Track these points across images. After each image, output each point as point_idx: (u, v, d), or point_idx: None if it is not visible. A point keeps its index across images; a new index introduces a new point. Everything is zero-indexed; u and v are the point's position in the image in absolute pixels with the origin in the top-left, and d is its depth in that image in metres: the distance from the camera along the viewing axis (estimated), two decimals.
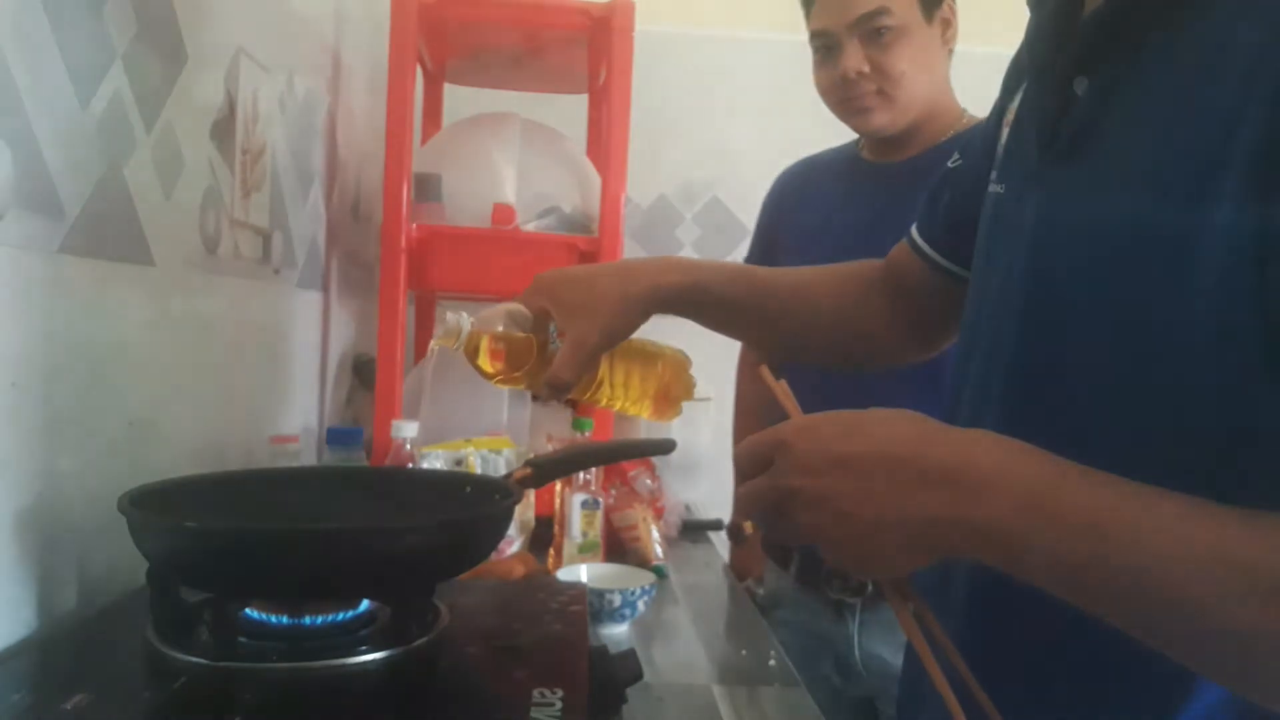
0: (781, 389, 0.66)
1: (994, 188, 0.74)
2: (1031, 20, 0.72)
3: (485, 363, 0.82)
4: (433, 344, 0.84)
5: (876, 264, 0.96)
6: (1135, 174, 0.58)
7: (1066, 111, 0.63)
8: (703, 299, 0.90)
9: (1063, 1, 0.66)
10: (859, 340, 0.95)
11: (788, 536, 0.59)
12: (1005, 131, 0.75)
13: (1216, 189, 0.53)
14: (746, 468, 0.60)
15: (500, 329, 0.83)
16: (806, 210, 1.51)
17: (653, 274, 0.88)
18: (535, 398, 1.74)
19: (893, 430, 0.57)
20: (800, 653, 1.30)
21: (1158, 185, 0.57)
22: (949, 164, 0.89)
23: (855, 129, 1.43)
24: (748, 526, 1.56)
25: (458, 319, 0.82)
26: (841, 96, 1.38)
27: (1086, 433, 0.61)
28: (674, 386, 0.88)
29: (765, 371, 0.67)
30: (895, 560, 0.56)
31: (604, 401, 0.86)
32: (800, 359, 1.06)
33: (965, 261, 0.80)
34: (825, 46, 1.39)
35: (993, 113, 0.81)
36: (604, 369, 0.84)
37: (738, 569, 1.68)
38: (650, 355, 0.87)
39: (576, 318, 0.83)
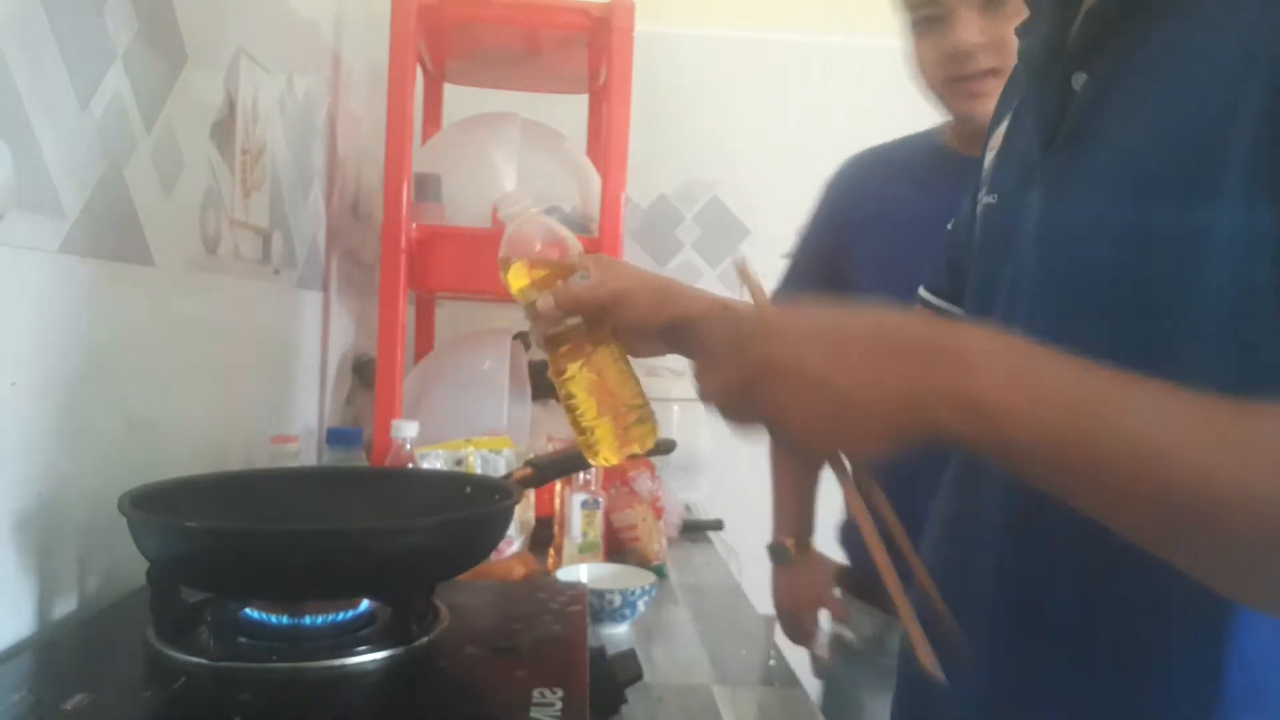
0: (756, 284, 0.63)
1: (985, 199, 0.74)
2: (1025, 29, 0.73)
3: (520, 275, 0.77)
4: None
5: None
6: (1137, 163, 0.59)
7: (1066, 107, 0.64)
8: None
9: (1056, 6, 0.67)
10: None
11: (749, 415, 0.55)
12: (989, 156, 0.77)
13: (1218, 175, 0.54)
14: (716, 347, 0.57)
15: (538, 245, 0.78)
16: (885, 202, 1.35)
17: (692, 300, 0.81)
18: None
19: (874, 311, 0.55)
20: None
21: (1160, 174, 0.57)
22: (948, 226, 0.90)
23: (959, 114, 1.21)
24: (790, 543, 1.43)
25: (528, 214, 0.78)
26: (952, 74, 1.17)
27: None
28: (635, 425, 0.77)
29: (744, 268, 0.64)
30: (866, 438, 0.52)
31: (562, 394, 0.78)
32: None
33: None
34: (929, 17, 1.17)
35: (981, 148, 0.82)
36: (579, 364, 0.77)
37: (789, 599, 1.45)
38: (628, 378, 0.78)
39: (610, 272, 0.77)
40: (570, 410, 0.76)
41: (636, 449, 0.76)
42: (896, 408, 0.51)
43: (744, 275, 0.63)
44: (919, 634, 0.54)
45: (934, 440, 0.51)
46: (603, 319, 0.75)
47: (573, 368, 0.76)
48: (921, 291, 0.94)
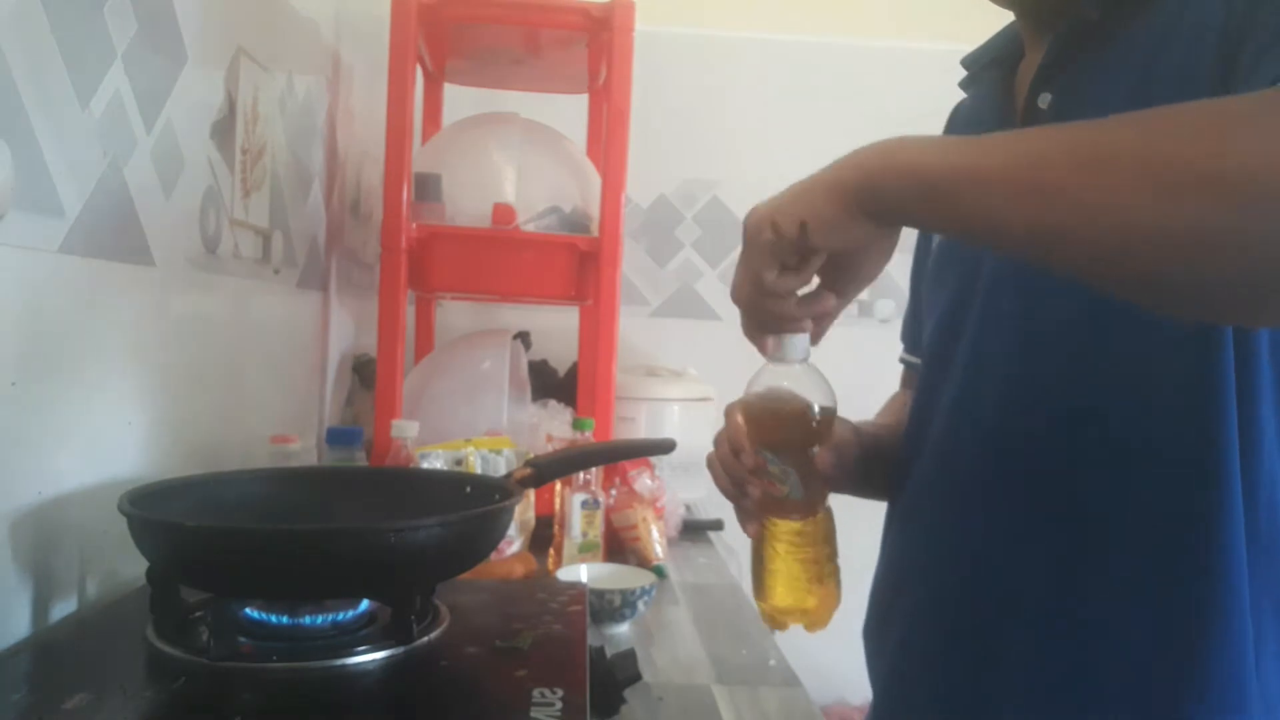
0: None
1: None
2: (970, 81, 0.84)
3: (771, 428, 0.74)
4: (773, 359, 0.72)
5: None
6: None
7: (1035, 121, 0.69)
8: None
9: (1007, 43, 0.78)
10: None
11: (761, 250, 0.65)
12: None
13: None
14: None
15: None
16: None
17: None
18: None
19: None
20: None
21: None
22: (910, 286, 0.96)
23: None
24: None
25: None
26: None
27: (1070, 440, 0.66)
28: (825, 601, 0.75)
29: None
30: (817, 198, 0.61)
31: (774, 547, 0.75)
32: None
33: None
34: None
35: None
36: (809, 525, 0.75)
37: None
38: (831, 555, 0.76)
39: None
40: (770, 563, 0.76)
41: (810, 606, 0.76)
42: (845, 178, 0.60)
43: None
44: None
45: (869, 202, 0.59)
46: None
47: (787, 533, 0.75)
48: (904, 357, 0.97)
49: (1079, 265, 0.52)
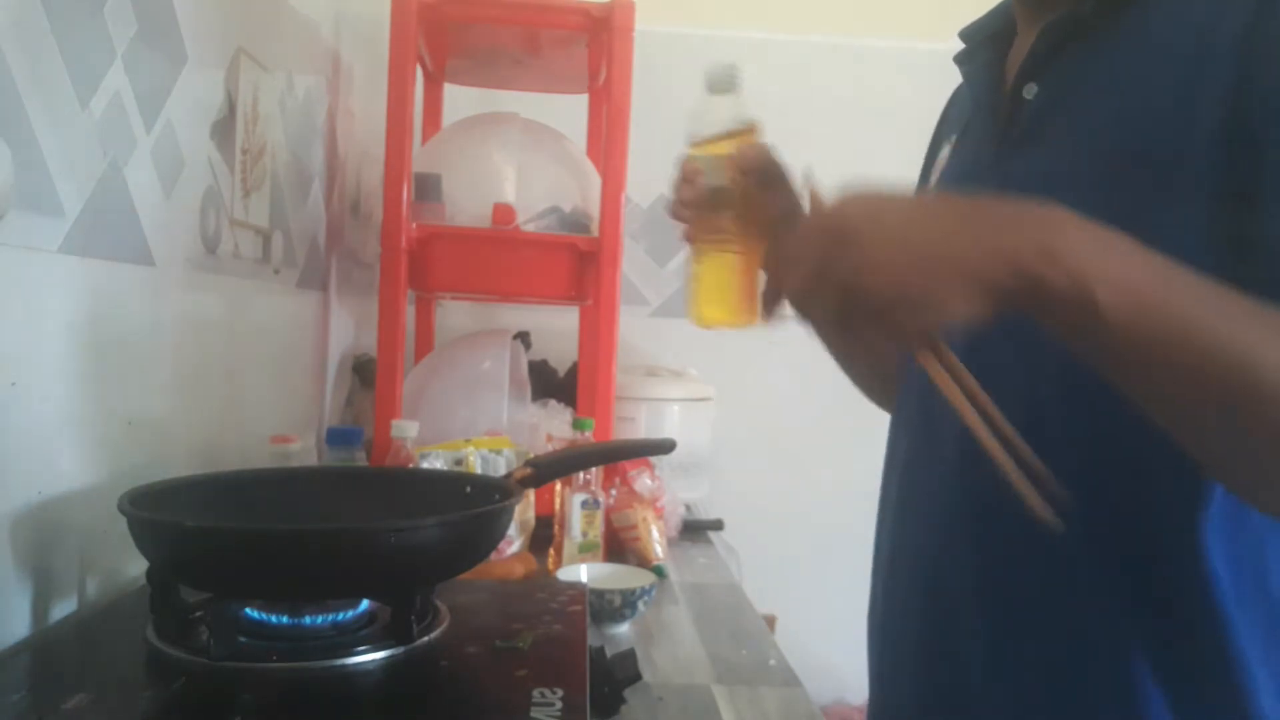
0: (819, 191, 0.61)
1: None
2: (964, 58, 0.81)
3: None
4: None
5: None
6: (1098, 158, 0.63)
7: (1017, 114, 0.69)
8: None
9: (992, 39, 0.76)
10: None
11: (828, 297, 0.52)
12: (935, 176, 0.81)
13: (1173, 170, 0.59)
14: (795, 240, 0.55)
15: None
16: None
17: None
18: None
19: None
20: None
21: (1121, 167, 0.61)
22: None
23: None
24: None
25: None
26: None
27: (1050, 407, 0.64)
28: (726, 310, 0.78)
29: (809, 178, 0.63)
30: (957, 292, 0.49)
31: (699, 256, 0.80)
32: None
33: None
34: None
35: (923, 177, 0.88)
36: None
37: None
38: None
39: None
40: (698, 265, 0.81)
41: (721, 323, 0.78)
42: (987, 257, 0.49)
43: (809, 183, 0.62)
44: (1027, 486, 0.53)
45: (1021, 302, 0.49)
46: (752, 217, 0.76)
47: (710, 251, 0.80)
48: None
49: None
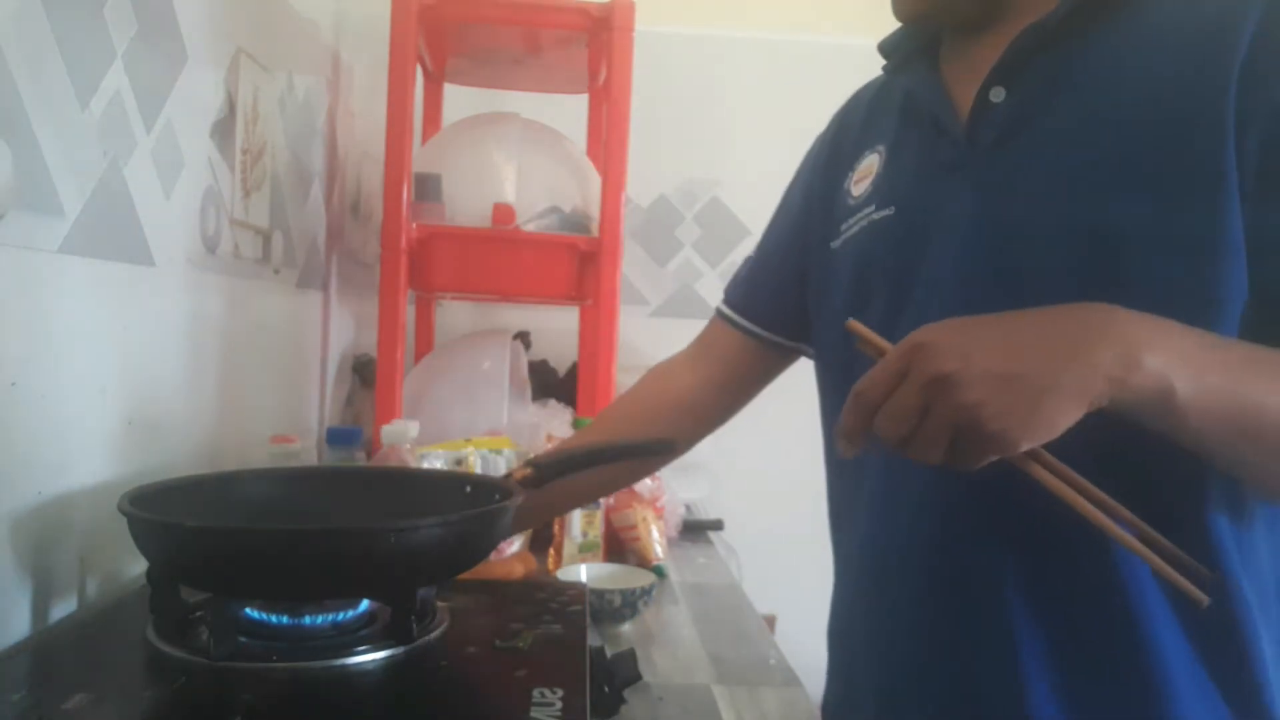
0: (872, 335, 0.61)
1: (875, 215, 0.77)
2: (896, 68, 0.82)
3: None
4: None
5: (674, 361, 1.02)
6: (1091, 159, 0.64)
7: (986, 114, 0.69)
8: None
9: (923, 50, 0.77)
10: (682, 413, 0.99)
11: (937, 438, 0.53)
12: (859, 186, 0.81)
13: (1175, 169, 0.60)
14: (874, 392, 0.55)
15: None
16: None
17: None
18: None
19: (999, 314, 0.56)
20: None
21: (1116, 169, 0.63)
22: (746, 258, 0.97)
23: None
24: None
25: None
26: None
27: None
28: None
29: (856, 324, 0.62)
30: (1063, 416, 0.52)
31: None
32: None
33: (774, 326, 0.92)
34: None
35: (824, 185, 0.87)
36: None
37: None
38: None
39: None
40: None
41: None
42: (1084, 377, 0.52)
43: (857, 330, 0.62)
44: (1172, 573, 0.57)
45: (1107, 405, 0.53)
46: None
47: None
48: (722, 306, 0.97)
49: None
